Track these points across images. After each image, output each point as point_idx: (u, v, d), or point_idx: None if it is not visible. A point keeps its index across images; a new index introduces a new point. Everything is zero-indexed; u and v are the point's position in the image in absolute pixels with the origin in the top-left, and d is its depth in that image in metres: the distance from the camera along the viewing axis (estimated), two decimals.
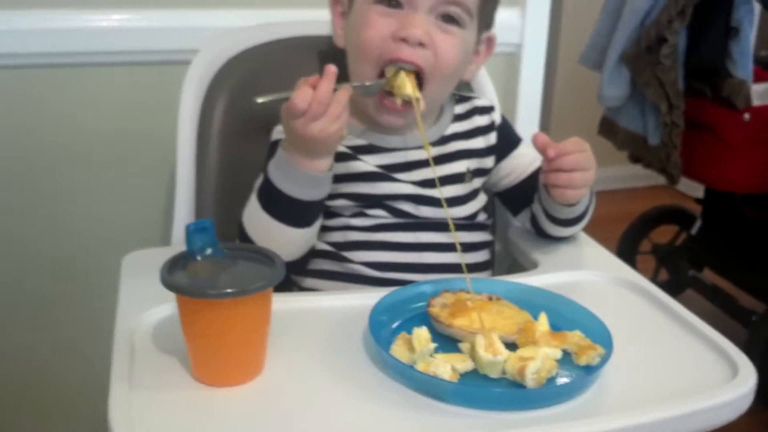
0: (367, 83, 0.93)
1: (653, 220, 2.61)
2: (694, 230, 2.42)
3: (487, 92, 1.19)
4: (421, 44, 0.92)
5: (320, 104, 0.82)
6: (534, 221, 1.06)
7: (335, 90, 0.84)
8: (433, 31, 0.93)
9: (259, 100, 0.84)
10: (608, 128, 2.25)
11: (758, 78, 2.03)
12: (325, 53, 1.06)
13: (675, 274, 2.44)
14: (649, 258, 2.50)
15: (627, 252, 2.50)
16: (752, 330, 2.09)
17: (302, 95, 0.82)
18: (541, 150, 0.92)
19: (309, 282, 1.01)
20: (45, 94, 1.26)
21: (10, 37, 1.20)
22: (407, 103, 0.93)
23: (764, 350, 1.98)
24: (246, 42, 1.13)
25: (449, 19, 0.94)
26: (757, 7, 1.96)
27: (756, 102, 2.00)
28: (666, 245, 2.53)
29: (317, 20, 1.11)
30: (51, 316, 1.39)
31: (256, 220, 0.92)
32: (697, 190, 2.50)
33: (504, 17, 1.40)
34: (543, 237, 1.07)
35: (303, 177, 0.89)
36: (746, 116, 2.00)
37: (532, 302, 0.84)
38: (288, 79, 1.11)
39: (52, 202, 1.32)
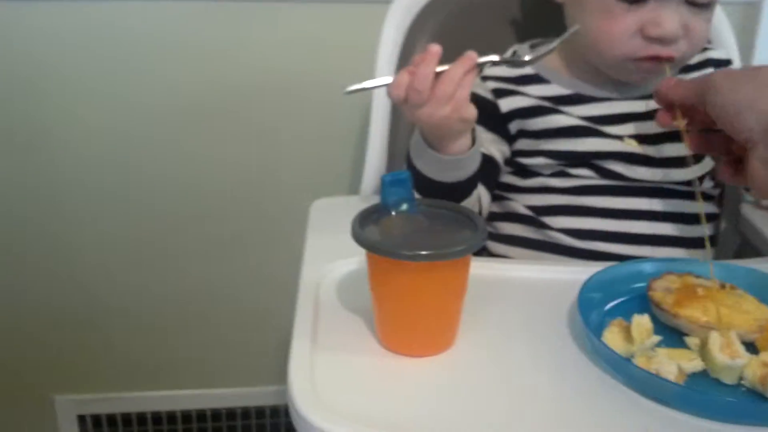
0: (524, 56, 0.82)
1: None
2: None
3: (727, 44, 1.04)
4: (674, 41, 0.81)
5: (418, 92, 0.72)
6: None
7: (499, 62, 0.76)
8: (686, 17, 0.81)
9: (348, 90, 0.75)
10: None
11: None
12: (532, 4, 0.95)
13: None
14: None
15: None
16: None
17: (398, 82, 0.73)
18: None
19: (501, 248, 0.93)
20: (239, 29, 1.24)
21: None
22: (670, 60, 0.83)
23: None
24: None
25: (702, 3, 0.82)
26: None
27: None
28: None
29: None
30: (235, 254, 1.41)
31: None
32: None
33: None
34: None
35: (435, 161, 0.80)
36: None
37: None
38: (489, 24, 1.04)
39: (242, 140, 1.32)
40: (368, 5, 1.19)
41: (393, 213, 0.67)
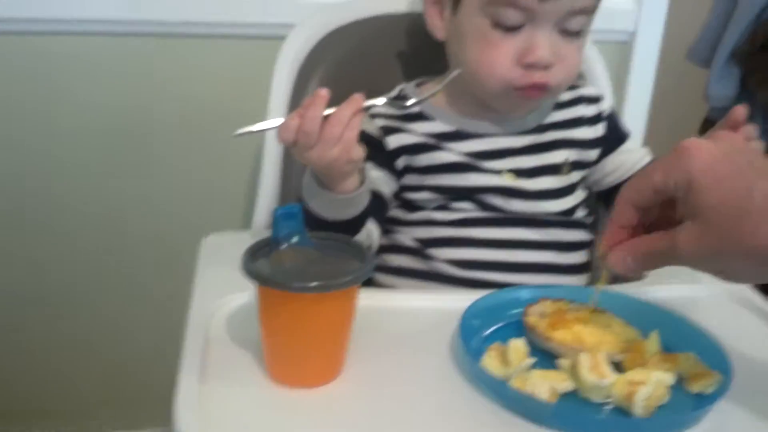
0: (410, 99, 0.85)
1: None
2: None
3: (599, 81, 1.10)
4: (547, 66, 0.86)
5: (307, 134, 0.74)
6: None
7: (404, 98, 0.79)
8: (558, 45, 0.87)
9: (237, 132, 0.77)
10: (711, 130, 2.12)
11: None
12: (418, 39, 0.99)
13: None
14: None
15: None
16: None
17: (287, 125, 0.75)
18: (735, 126, 0.80)
19: (388, 279, 0.95)
20: (133, 63, 1.24)
21: (103, 4, 1.18)
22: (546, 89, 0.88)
23: None
24: (343, 18, 1.08)
25: (573, 31, 0.87)
26: None
27: None
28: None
29: None
30: (124, 294, 1.38)
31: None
32: None
33: (619, 2, 1.32)
34: None
35: (326, 199, 0.82)
36: None
37: (640, 317, 0.76)
38: (382, 60, 1.07)
39: (133, 175, 1.30)
40: (264, 41, 1.21)
41: (284, 246, 0.68)
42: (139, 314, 1.40)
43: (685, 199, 0.61)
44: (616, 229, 0.68)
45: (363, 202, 0.85)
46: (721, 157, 0.61)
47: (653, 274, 0.88)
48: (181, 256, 0.96)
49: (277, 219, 0.68)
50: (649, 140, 2.54)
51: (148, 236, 1.35)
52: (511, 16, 0.84)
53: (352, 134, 0.76)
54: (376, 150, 0.90)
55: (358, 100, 0.76)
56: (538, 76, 0.86)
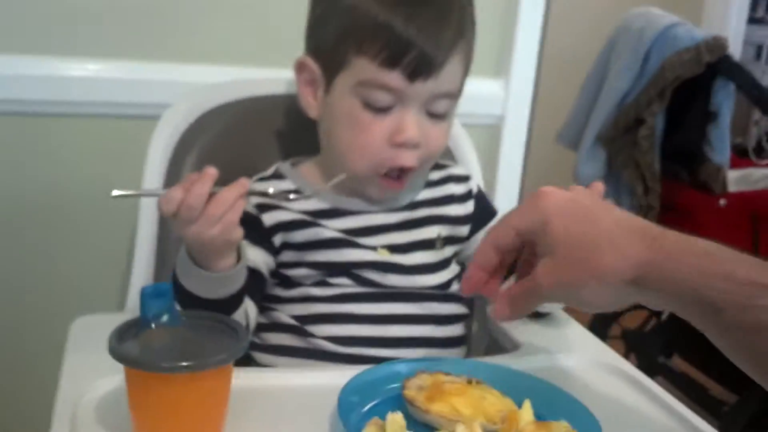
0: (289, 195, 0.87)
1: None
2: (664, 316, 2.38)
3: (469, 162, 1.15)
4: (416, 146, 0.89)
5: (190, 209, 0.74)
6: None
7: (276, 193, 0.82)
8: (425, 126, 0.90)
9: (115, 194, 0.76)
10: None
11: (733, 164, 2.04)
12: (294, 119, 1.01)
13: (644, 360, 2.39)
14: (618, 343, 2.44)
15: (597, 336, 2.44)
16: (724, 422, 2.03)
17: (170, 197, 0.75)
18: None
19: (267, 358, 0.94)
20: (4, 142, 1.20)
21: None
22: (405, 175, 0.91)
23: None
24: (219, 98, 1.08)
25: (439, 114, 0.91)
26: (734, 94, 1.97)
27: (732, 188, 1.99)
28: (636, 330, 2.49)
29: (288, 79, 1.06)
30: None
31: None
32: None
33: (488, 88, 1.39)
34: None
35: (200, 278, 0.81)
36: (722, 202, 2.00)
37: (515, 387, 0.77)
38: (258, 140, 1.08)
39: (3, 257, 1.24)
40: (138, 120, 1.20)
41: (153, 326, 0.67)
42: (5, 398, 1.32)
43: (542, 237, 0.68)
44: (476, 270, 0.73)
45: (239, 281, 0.84)
46: (571, 199, 0.69)
47: (527, 345, 0.92)
48: (50, 340, 0.92)
49: (145, 298, 0.66)
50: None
51: (14, 320, 1.28)
52: (381, 97, 0.87)
53: (234, 216, 0.77)
54: (252, 227, 0.89)
55: (244, 184, 0.77)
56: (405, 157, 0.89)
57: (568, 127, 2.19)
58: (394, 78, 0.86)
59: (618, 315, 2.53)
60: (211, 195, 0.75)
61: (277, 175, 0.98)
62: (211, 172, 0.76)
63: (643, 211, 2.01)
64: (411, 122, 0.88)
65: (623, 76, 2.03)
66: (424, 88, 0.87)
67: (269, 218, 0.93)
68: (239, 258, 0.83)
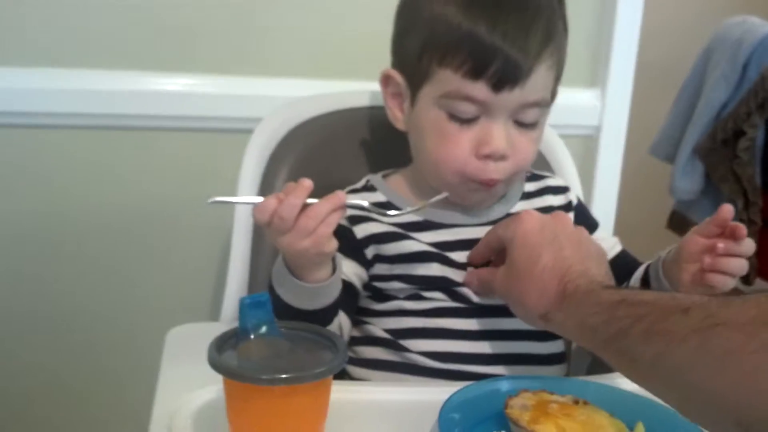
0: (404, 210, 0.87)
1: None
2: None
3: (567, 172, 1.11)
4: (503, 157, 0.86)
5: (282, 219, 0.73)
6: None
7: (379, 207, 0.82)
8: (513, 136, 0.87)
9: (212, 200, 0.76)
10: (679, 222, 2.15)
11: None
12: (383, 131, 1.00)
13: None
14: None
15: None
16: None
17: (265, 205, 0.74)
18: (723, 224, 0.84)
19: (361, 372, 0.92)
20: (102, 156, 1.23)
21: (73, 97, 1.18)
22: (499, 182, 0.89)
23: None
24: (310, 111, 1.08)
25: (528, 123, 0.88)
26: None
27: None
28: None
29: (374, 91, 1.06)
30: (87, 395, 1.33)
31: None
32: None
33: (583, 98, 1.35)
34: None
35: (296, 288, 0.80)
36: None
37: (625, 408, 0.73)
38: (348, 152, 1.07)
39: (100, 268, 1.27)
40: (231, 134, 1.21)
41: (252, 336, 0.66)
42: (102, 409, 1.34)
43: (509, 251, 0.83)
44: (476, 255, 0.91)
45: (334, 293, 0.83)
46: (538, 228, 0.82)
47: None
48: (148, 350, 0.92)
49: (244, 308, 0.65)
50: (617, 232, 2.57)
51: (111, 331, 1.30)
52: (466, 109, 0.85)
53: (327, 230, 0.75)
54: (344, 239, 0.88)
55: (339, 197, 0.76)
56: (492, 169, 0.86)
57: (662, 138, 2.12)
58: (479, 89, 0.83)
59: None
60: (306, 206, 0.74)
61: (368, 188, 0.97)
62: (307, 183, 0.75)
63: (745, 225, 1.91)
64: (497, 134, 0.85)
65: (721, 86, 1.95)
66: (511, 97, 0.84)
67: (361, 230, 0.91)
68: (334, 269, 0.81)
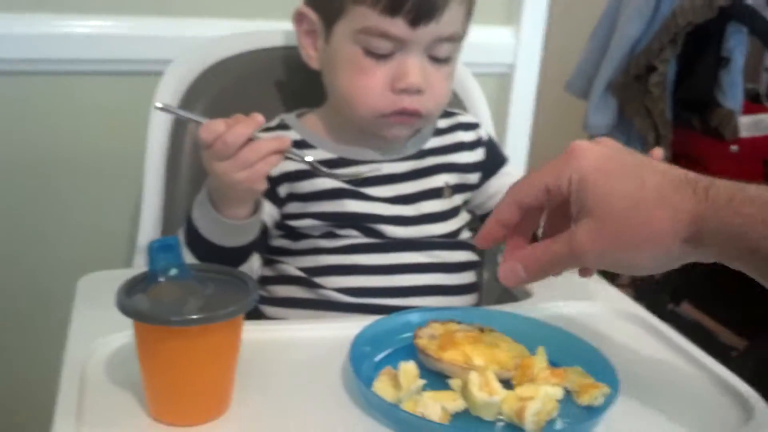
0: (335, 171, 0.87)
1: None
2: None
3: (479, 110, 1.13)
4: (419, 91, 0.87)
5: (225, 145, 0.75)
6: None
7: (295, 156, 0.80)
8: (429, 71, 0.88)
9: (159, 105, 0.78)
10: None
11: (746, 110, 2.00)
12: (297, 71, 1.00)
13: (653, 309, 2.38)
14: (627, 291, 2.44)
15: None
16: (732, 367, 2.03)
17: (211, 127, 0.75)
18: None
19: (276, 311, 0.94)
20: (10, 100, 1.19)
21: None
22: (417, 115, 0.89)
23: None
24: (222, 53, 1.07)
25: (442, 58, 0.89)
26: (747, 38, 1.93)
27: (744, 133, 1.96)
28: (645, 278, 2.48)
29: (289, 31, 1.04)
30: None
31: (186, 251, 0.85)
32: None
33: (498, 36, 1.36)
34: None
35: (216, 222, 0.81)
36: (734, 148, 1.97)
37: (528, 335, 0.77)
38: (264, 92, 1.07)
39: (8, 214, 1.24)
40: (141, 77, 1.18)
41: (162, 279, 0.66)
42: (12, 356, 1.32)
43: (577, 197, 0.62)
44: (495, 225, 0.69)
45: (254, 231, 0.84)
46: (610, 155, 0.63)
47: (540, 293, 0.91)
48: (58, 297, 0.91)
49: (153, 251, 0.65)
50: (532, 167, 2.62)
51: (21, 279, 1.28)
52: (383, 44, 0.86)
53: (266, 168, 0.77)
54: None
55: (285, 141, 0.78)
56: (408, 102, 0.88)
57: (577, 75, 2.15)
58: (396, 25, 0.84)
59: None
60: (251, 141, 0.76)
61: (282, 126, 0.97)
62: (259, 119, 0.76)
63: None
64: (413, 68, 0.86)
65: (634, 22, 1.98)
66: (426, 32, 0.85)
67: (275, 168, 0.91)
68: (257, 210, 0.82)
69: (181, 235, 0.86)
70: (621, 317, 0.88)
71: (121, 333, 0.73)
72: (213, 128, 0.75)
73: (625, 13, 2.01)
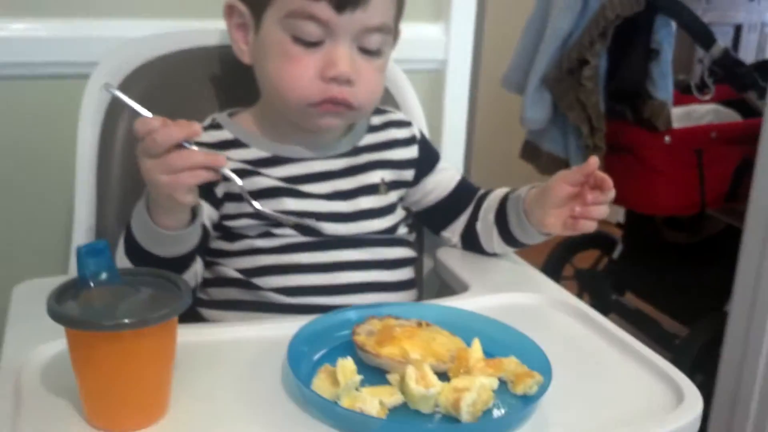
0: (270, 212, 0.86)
1: (575, 246, 2.60)
2: (615, 254, 2.43)
3: (411, 107, 1.14)
4: (349, 81, 0.87)
5: (155, 142, 0.73)
6: (472, 238, 1.03)
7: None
8: (359, 62, 0.88)
9: (108, 88, 0.78)
10: (531, 152, 2.23)
11: (677, 101, 2.05)
12: (229, 70, 0.99)
13: (598, 299, 2.44)
14: (571, 283, 2.49)
15: (550, 277, 2.47)
16: (676, 354, 2.09)
17: (147, 121, 0.74)
18: (589, 175, 0.89)
19: (215, 314, 0.93)
20: None
21: None
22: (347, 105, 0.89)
23: (689, 375, 1.97)
24: (148, 53, 1.05)
25: (372, 51, 0.89)
26: (675, 30, 1.98)
27: (676, 124, 2.01)
28: (588, 270, 2.53)
29: (222, 29, 1.03)
30: None
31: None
32: (617, 214, 2.51)
33: (428, 32, 1.37)
34: (474, 252, 1.04)
35: (151, 232, 0.80)
36: (667, 138, 2.01)
37: (465, 327, 0.78)
38: (193, 92, 1.06)
39: None
40: (66, 80, 1.16)
41: (92, 284, 0.65)
42: None
43: None
44: None
45: (192, 240, 0.83)
46: None
47: (476, 286, 0.92)
48: None
49: (82, 257, 0.64)
50: (474, 163, 2.63)
51: None
52: (310, 30, 0.85)
53: (190, 180, 0.75)
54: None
55: (219, 160, 0.76)
56: (338, 91, 0.87)
57: (512, 70, 2.17)
58: (322, 8, 0.84)
59: (570, 255, 2.58)
60: (184, 149, 0.74)
61: (214, 125, 0.96)
62: (196, 128, 0.74)
63: (590, 151, 2.02)
64: (342, 56, 0.86)
65: (565, 16, 2.01)
66: (353, 19, 0.85)
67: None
68: (192, 221, 0.81)
69: (120, 246, 0.84)
70: (557, 308, 0.90)
71: (57, 341, 0.72)
72: (147, 123, 0.73)
73: (556, 6, 2.05)
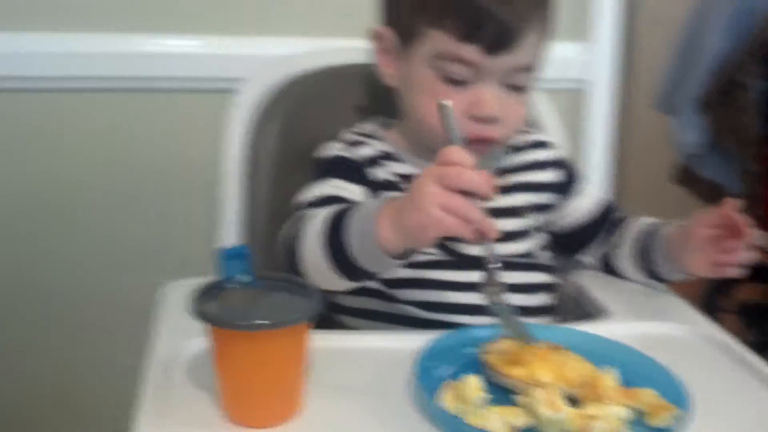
0: None
1: (736, 277, 2.45)
2: None
3: (552, 129, 1.12)
4: (495, 119, 0.87)
5: (458, 176, 0.69)
6: (613, 265, 1.01)
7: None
8: (504, 99, 0.87)
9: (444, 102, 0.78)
10: (687, 177, 2.13)
11: None
12: (373, 88, 1.00)
13: (765, 336, 2.28)
14: (732, 317, 2.34)
15: (707, 309, 2.34)
16: None
17: (462, 154, 0.70)
18: (726, 218, 0.87)
19: (352, 321, 0.95)
20: (91, 117, 1.24)
21: (70, 60, 1.19)
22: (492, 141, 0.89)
23: None
24: (296, 70, 1.10)
25: (518, 87, 0.88)
26: None
27: None
28: (756, 304, 2.37)
29: (360, 48, 1.06)
30: (82, 337, 1.36)
31: (313, 258, 0.80)
32: None
33: (567, 52, 1.34)
34: (614, 276, 1.01)
35: (374, 251, 0.75)
36: None
37: (601, 354, 0.75)
38: (339, 108, 1.08)
39: (91, 229, 1.29)
40: (218, 94, 1.21)
41: (231, 286, 0.68)
42: (94, 365, 1.37)
43: None
44: None
45: (390, 268, 0.81)
46: None
47: (617, 313, 0.89)
48: (142, 307, 0.95)
49: (223, 260, 0.67)
50: (621, 187, 2.54)
51: (106, 288, 1.33)
52: (459, 71, 0.85)
53: (453, 227, 0.70)
54: (357, 173, 0.90)
55: (493, 233, 0.73)
56: (484, 130, 0.87)
57: (662, 92, 2.09)
58: (472, 52, 0.84)
59: (730, 288, 2.42)
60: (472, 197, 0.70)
61: (377, 137, 0.98)
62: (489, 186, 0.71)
63: (749, 177, 1.91)
64: (490, 97, 0.86)
65: (721, 35, 1.92)
66: (503, 61, 0.85)
67: (372, 173, 0.93)
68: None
69: (314, 236, 0.79)
70: (702, 340, 0.85)
71: (202, 338, 0.75)
72: (462, 156, 0.71)
73: (710, 26, 1.95)
